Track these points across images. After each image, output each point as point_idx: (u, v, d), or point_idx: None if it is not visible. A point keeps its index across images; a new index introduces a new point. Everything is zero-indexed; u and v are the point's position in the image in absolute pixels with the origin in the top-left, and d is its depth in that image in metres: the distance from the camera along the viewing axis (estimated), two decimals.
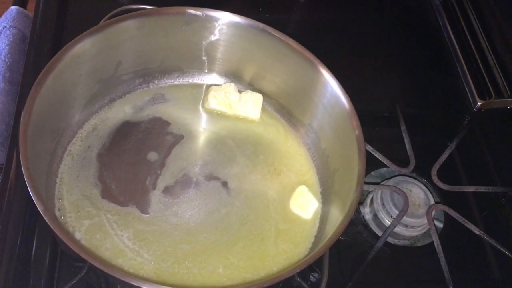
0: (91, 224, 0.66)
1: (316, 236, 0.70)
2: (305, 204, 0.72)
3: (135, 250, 0.65)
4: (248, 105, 0.79)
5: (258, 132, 0.79)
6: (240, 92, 0.80)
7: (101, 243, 0.65)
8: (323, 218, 0.71)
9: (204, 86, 0.82)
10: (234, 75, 0.81)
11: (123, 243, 0.65)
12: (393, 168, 0.81)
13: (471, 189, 0.84)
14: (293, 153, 0.78)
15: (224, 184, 0.73)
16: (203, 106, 0.80)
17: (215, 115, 0.80)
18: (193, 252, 0.66)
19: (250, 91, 0.80)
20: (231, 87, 0.79)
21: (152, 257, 0.65)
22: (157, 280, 0.63)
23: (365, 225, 0.80)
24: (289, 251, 0.68)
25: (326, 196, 0.73)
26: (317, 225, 0.71)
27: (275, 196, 0.73)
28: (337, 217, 0.65)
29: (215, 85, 0.81)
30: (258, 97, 0.79)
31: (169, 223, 0.68)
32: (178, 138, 0.76)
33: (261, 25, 0.73)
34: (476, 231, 0.76)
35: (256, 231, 0.70)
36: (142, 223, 0.67)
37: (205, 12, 0.72)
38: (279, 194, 0.73)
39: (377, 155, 0.81)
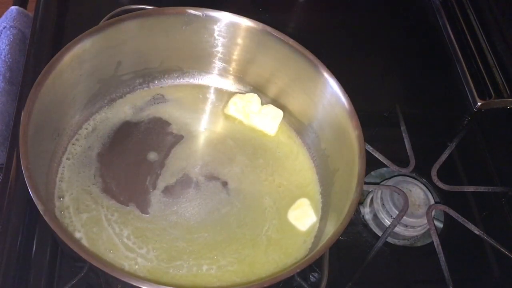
0: (89, 217, 0.67)
1: (309, 250, 0.69)
2: (303, 216, 0.71)
3: (130, 247, 0.65)
4: (267, 119, 0.78)
5: (269, 146, 0.78)
6: (262, 104, 0.79)
7: (98, 236, 0.65)
8: (319, 234, 0.70)
9: (224, 91, 0.82)
10: (234, 75, 0.81)
11: (120, 239, 0.65)
12: (393, 168, 0.81)
13: (471, 189, 0.84)
14: (299, 169, 0.76)
15: (224, 184, 0.73)
16: (223, 111, 0.80)
17: (214, 115, 0.80)
18: (188, 251, 0.66)
19: (272, 105, 0.79)
20: (254, 98, 0.78)
21: (147, 254, 0.65)
22: (151, 279, 0.63)
23: (365, 225, 0.80)
24: (279, 261, 0.68)
25: (325, 200, 0.73)
26: (312, 239, 0.70)
27: (274, 202, 0.73)
28: (337, 218, 0.65)
29: (240, 92, 0.81)
30: (278, 113, 0.78)
31: (168, 221, 0.68)
32: (178, 138, 0.76)
33: (261, 25, 0.73)
34: (476, 231, 0.76)
35: (250, 236, 0.69)
36: (140, 221, 0.68)
37: (205, 12, 0.72)
38: (278, 202, 0.73)
39: (377, 155, 0.81)
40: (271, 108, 0.79)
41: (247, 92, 0.81)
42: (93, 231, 0.66)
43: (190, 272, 0.65)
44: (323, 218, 0.72)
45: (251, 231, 0.70)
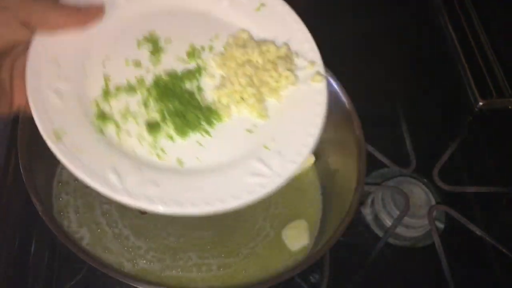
0: (88, 218, 0.67)
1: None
2: (295, 237, 0.69)
3: (129, 247, 0.65)
4: None
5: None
6: None
7: (97, 237, 0.65)
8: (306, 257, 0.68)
9: None
10: None
11: (119, 240, 0.65)
12: (394, 168, 0.80)
13: (472, 189, 0.83)
14: (308, 199, 0.74)
15: None
16: None
17: None
18: (186, 251, 0.66)
19: None
20: None
21: (146, 254, 0.65)
22: (150, 279, 0.63)
23: (366, 226, 0.79)
24: (259, 275, 0.66)
25: (324, 217, 0.72)
26: (297, 261, 0.68)
27: (271, 207, 0.72)
28: (337, 218, 0.65)
29: None
30: (309, 160, 0.73)
31: (168, 222, 0.68)
32: None
33: None
34: (478, 231, 0.76)
35: (238, 244, 0.68)
36: (140, 221, 0.67)
37: None
38: (275, 208, 0.72)
39: (378, 155, 0.80)
40: None
41: None
42: (92, 232, 0.65)
43: (176, 273, 0.65)
44: (316, 242, 0.70)
45: (240, 239, 0.69)
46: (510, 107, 0.92)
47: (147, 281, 0.61)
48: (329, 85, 0.69)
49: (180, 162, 0.52)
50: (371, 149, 0.79)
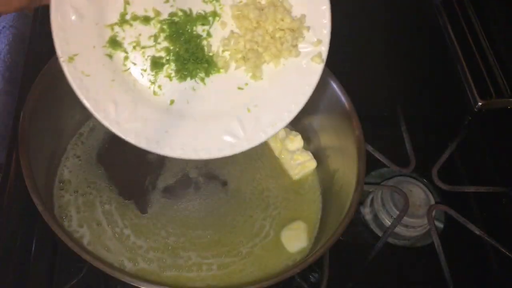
0: (89, 217, 0.67)
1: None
2: (295, 239, 0.70)
3: (130, 246, 0.65)
4: (295, 163, 0.75)
5: (283, 184, 0.75)
6: (303, 149, 0.76)
7: (97, 236, 0.65)
8: (305, 258, 0.67)
9: None
10: None
11: (119, 239, 0.66)
12: (394, 168, 0.81)
13: (471, 189, 0.84)
14: (308, 201, 0.75)
15: (224, 184, 0.73)
16: None
17: None
18: (186, 250, 0.66)
19: (310, 154, 0.76)
20: (297, 138, 0.76)
21: (146, 254, 0.65)
22: (150, 279, 0.63)
23: (366, 225, 0.79)
24: (258, 277, 0.66)
25: (323, 218, 0.72)
26: (295, 262, 0.68)
27: (270, 208, 0.72)
28: (337, 218, 0.65)
29: (290, 128, 0.77)
30: (311, 163, 0.75)
31: (168, 222, 0.68)
32: None
33: None
34: (477, 231, 0.76)
35: (237, 244, 0.68)
36: (140, 221, 0.68)
37: None
38: (274, 209, 0.72)
39: (378, 155, 0.80)
40: (306, 155, 0.75)
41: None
42: (92, 231, 0.66)
43: (177, 273, 0.65)
44: (315, 242, 0.70)
45: (239, 238, 0.69)
46: (509, 107, 0.92)
47: (147, 280, 0.61)
48: (329, 85, 0.70)
49: (172, 102, 0.58)
50: (370, 149, 0.79)
